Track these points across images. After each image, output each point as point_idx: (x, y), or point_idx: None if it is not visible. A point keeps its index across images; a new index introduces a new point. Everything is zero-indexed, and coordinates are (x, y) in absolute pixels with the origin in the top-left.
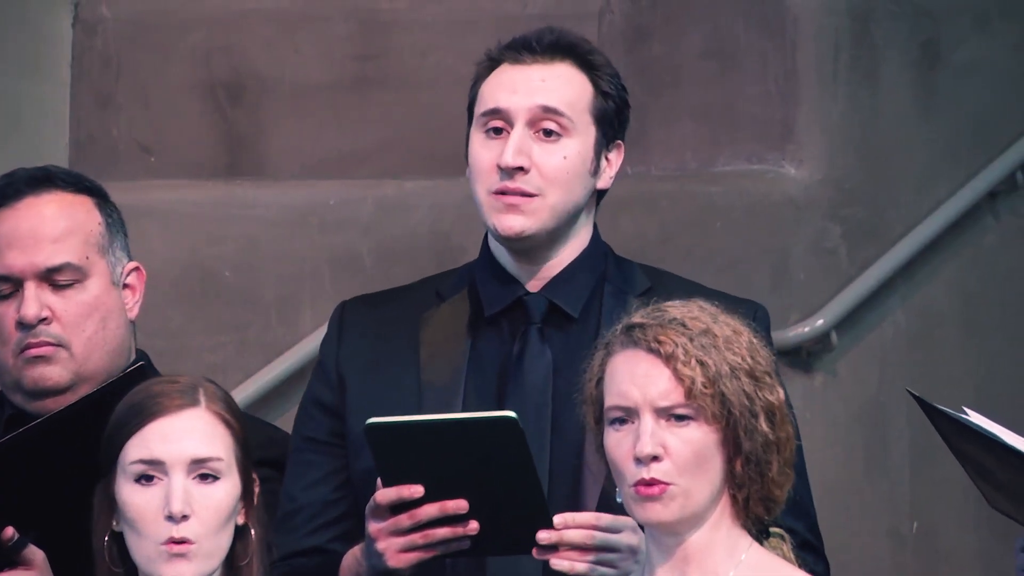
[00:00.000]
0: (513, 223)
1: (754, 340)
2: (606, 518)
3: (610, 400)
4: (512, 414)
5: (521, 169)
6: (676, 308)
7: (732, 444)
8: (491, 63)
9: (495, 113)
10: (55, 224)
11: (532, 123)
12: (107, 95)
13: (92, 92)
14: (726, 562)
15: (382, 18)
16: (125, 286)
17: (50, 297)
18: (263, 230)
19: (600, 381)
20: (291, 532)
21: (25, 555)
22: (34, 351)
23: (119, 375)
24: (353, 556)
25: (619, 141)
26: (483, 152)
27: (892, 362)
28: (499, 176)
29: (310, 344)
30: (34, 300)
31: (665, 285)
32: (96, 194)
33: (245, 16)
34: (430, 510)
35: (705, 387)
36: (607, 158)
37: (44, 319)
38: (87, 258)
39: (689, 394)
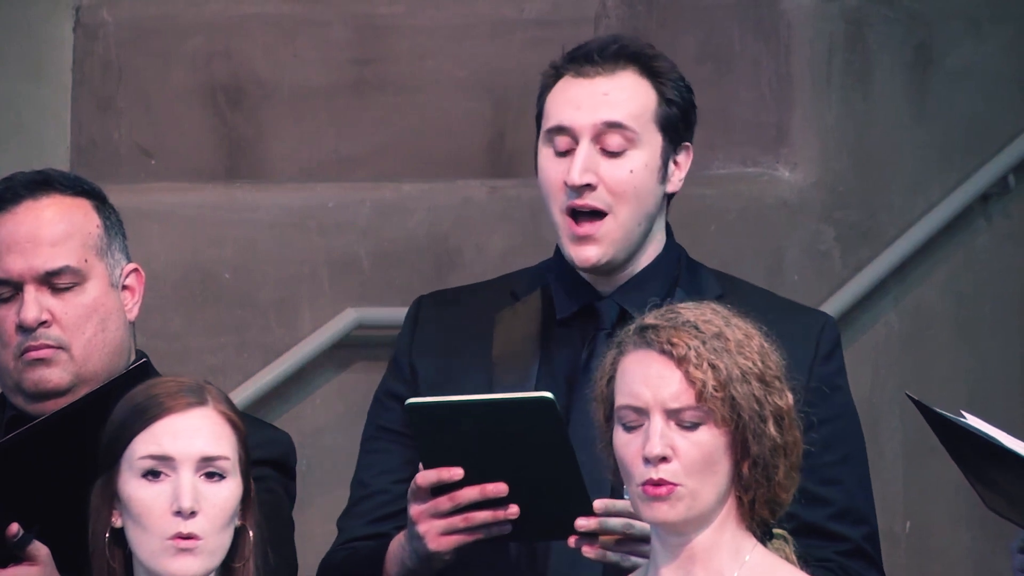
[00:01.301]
0: (589, 254)
1: (765, 344)
2: None
3: (621, 399)
4: (548, 395)
5: (588, 186)
6: (689, 310)
7: (740, 447)
8: (555, 74)
9: (561, 131)
10: (53, 227)
11: (597, 138)
12: (108, 99)
13: (93, 96)
14: (730, 563)
15: (380, 23)
16: (124, 287)
17: (50, 300)
18: (262, 233)
19: (611, 380)
20: (358, 517)
21: (30, 551)
22: (34, 354)
23: (123, 372)
24: (398, 541)
25: (687, 144)
26: (552, 170)
27: (885, 363)
28: (569, 194)
29: (309, 345)
30: (34, 303)
31: (737, 292)
32: (94, 197)
33: (244, 21)
34: (470, 493)
35: (716, 390)
36: (675, 162)
37: (44, 322)
38: (86, 261)
39: (700, 397)
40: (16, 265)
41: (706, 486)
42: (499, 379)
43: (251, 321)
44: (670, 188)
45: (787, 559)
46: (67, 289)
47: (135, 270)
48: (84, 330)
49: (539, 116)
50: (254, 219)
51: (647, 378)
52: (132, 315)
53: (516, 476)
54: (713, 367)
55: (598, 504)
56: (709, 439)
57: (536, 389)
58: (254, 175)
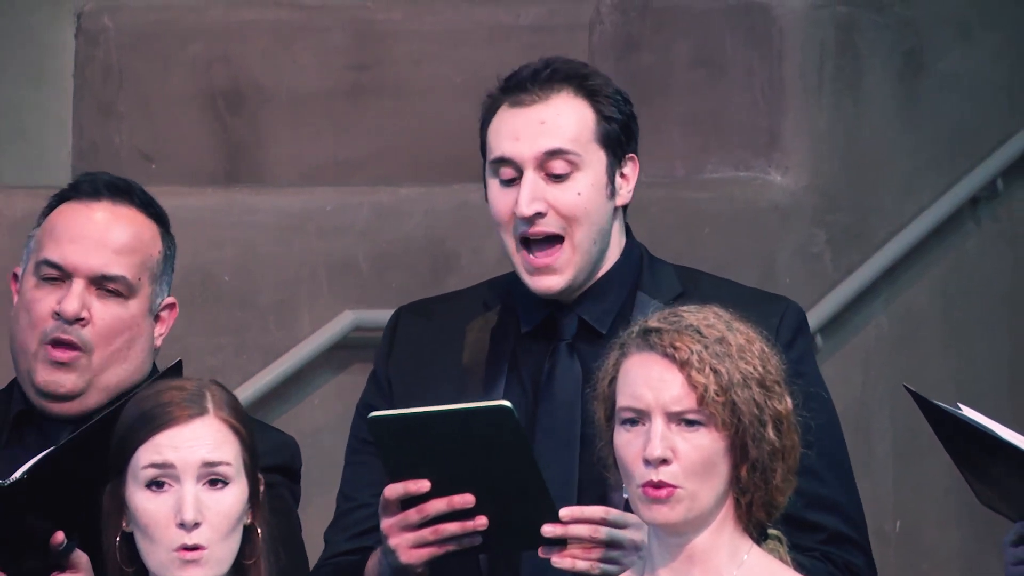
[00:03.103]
0: (550, 283)
1: (766, 349)
2: (614, 512)
3: (622, 401)
4: (507, 403)
5: (539, 214)
6: (692, 314)
7: (739, 451)
8: (492, 104)
9: (504, 162)
10: (123, 236)
11: (541, 166)
12: (109, 104)
13: (94, 101)
14: (728, 564)
15: (378, 28)
16: (157, 317)
17: (92, 300)
18: (262, 235)
19: (613, 380)
20: (343, 531)
21: (72, 559)
22: (58, 354)
23: (158, 375)
24: (375, 556)
25: (631, 155)
26: (501, 200)
27: (875, 364)
28: (518, 224)
29: (308, 347)
30: (78, 298)
31: (698, 287)
32: (163, 223)
33: (244, 27)
34: (437, 505)
35: (717, 395)
36: (622, 175)
37: (81, 319)
38: (139, 279)
39: (701, 401)
40: (75, 256)
41: (705, 488)
42: (468, 389)
43: (250, 323)
44: (619, 201)
45: (781, 559)
46: (112, 297)
47: (172, 304)
48: (112, 342)
49: (483, 146)
50: (253, 222)
51: (649, 380)
52: (158, 343)
53: (482, 487)
54: (715, 371)
55: (564, 512)
56: (709, 442)
57: (504, 399)
58: (253, 179)
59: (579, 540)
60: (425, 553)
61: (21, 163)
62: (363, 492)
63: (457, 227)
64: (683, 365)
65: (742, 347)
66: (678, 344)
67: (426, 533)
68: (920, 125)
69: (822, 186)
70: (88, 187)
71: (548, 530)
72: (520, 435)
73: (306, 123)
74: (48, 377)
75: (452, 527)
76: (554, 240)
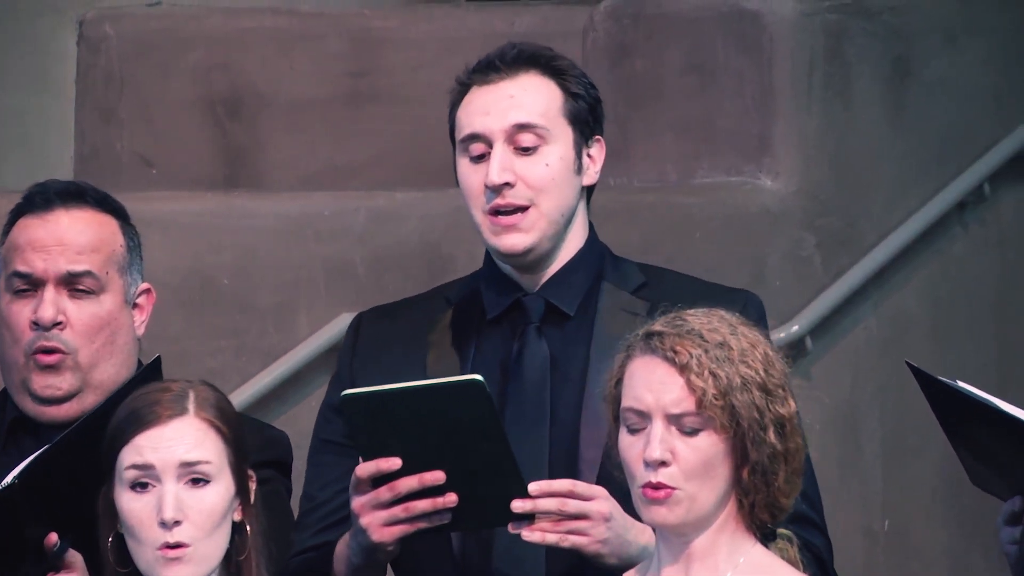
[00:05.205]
0: (515, 242)
1: (769, 353)
2: (581, 486)
3: (626, 402)
4: (478, 377)
5: (508, 184)
6: (696, 318)
7: (740, 453)
8: (462, 88)
9: (474, 138)
10: (83, 236)
11: (510, 140)
12: (110, 110)
13: (96, 107)
14: (726, 562)
15: (374, 36)
16: (135, 305)
17: (66, 303)
18: (260, 239)
19: (619, 382)
20: (306, 529)
21: (66, 559)
22: (45, 358)
23: (138, 372)
24: (344, 541)
25: (598, 137)
26: (471, 176)
27: (864, 366)
28: (488, 196)
29: (306, 349)
30: (51, 303)
31: (659, 280)
32: (121, 216)
33: (243, 34)
34: (409, 482)
35: (716, 398)
36: (588, 155)
37: (59, 323)
38: (107, 273)
39: (700, 404)
40: (41, 262)
41: (704, 490)
42: (434, 377)
43: (249, 325)
44: (587, 180)
45: (789, 560)
46: (84, 296)
47: (147, 290)
48: (94, 339)
49: (452, 130)
50: (252, 226)
51: (650, 383)
52: (140, 331)
53: (453, 464)
54: (714, 375)
55: (533, 487)
56: (708, 445)
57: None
58: (252, 184)
59: (548, 514)
60: (396, 531)
61: (24, 168)
62: (324, 491)
63: (452, 231)
64: (683, 369)
65: (744, 351)
66: (679, 348)
67: (398, 511)
68: (908, 130)
69: (812, 191)
70: (40, 199)
71: (518, 505)
72: (491, 409)
73: (304, 129)
74: (43, 383)
75: (423, 504)
76: (522, 210)
